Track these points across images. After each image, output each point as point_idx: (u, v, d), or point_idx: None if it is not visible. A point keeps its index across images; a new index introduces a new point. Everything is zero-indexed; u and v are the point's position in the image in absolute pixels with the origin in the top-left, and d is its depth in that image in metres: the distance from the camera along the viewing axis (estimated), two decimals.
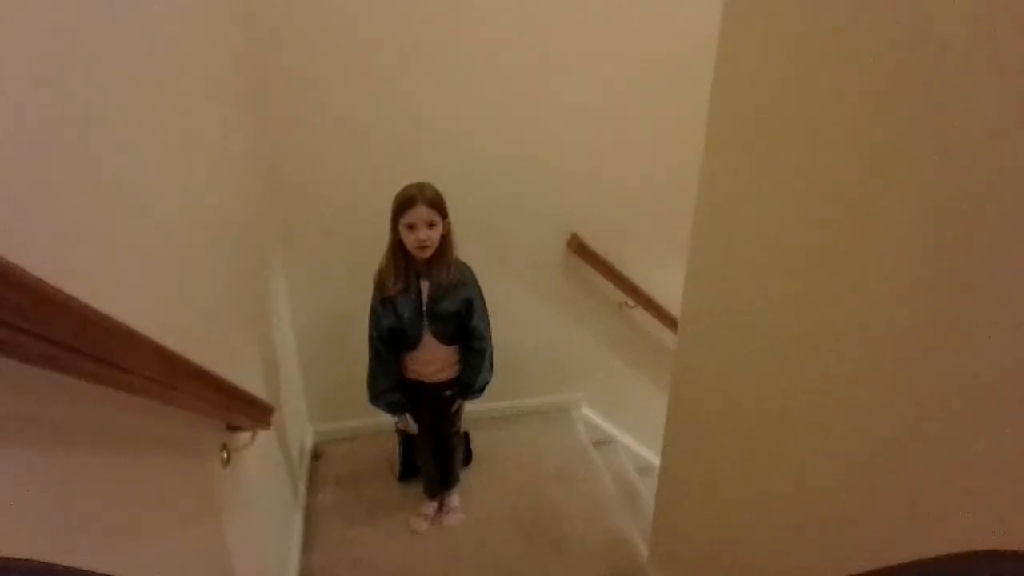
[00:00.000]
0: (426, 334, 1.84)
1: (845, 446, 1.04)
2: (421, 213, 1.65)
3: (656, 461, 2.10)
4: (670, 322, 2.52)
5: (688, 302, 1.51)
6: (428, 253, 1.71)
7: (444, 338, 1.87)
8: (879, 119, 0.89)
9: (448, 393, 1.98)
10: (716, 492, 1.50)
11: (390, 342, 1.84)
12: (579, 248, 2.43)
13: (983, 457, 0.80)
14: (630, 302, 2.60)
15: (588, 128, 2.26)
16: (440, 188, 1.71)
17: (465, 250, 1.86)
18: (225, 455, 1.22)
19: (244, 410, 1.22)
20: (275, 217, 2.13)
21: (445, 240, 1.74)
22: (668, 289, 2.47)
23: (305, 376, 2.44)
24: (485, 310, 1.90)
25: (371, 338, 1.84)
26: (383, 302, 1.79)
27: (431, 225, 1.67)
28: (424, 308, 1.81)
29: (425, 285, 1.79)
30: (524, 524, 2.20)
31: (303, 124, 2.04)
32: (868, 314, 0.95)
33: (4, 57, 0.58)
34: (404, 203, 1.66)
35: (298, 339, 2.36)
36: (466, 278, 1.84)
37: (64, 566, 0.43)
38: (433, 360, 1.91)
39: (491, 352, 1.95)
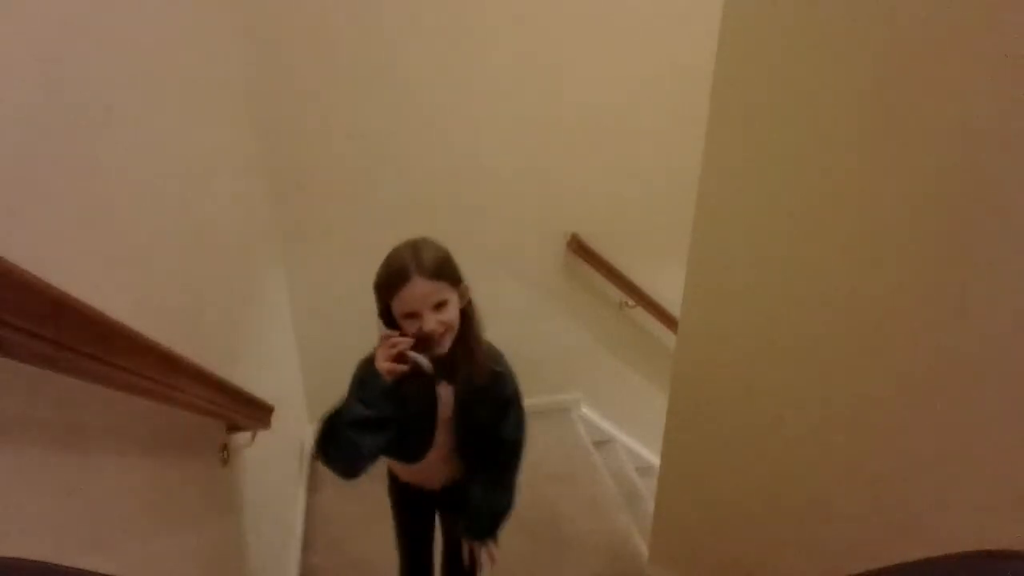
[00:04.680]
0: (435, 448, 1.24)
1: (844, 445, 1.04)
2: (421, 292, 1.02)
3: (656, 461, 2.10)
4: (670, 322, 2.52)
5: (688, 302, 1.51)
6: (446, 347, 1.07)
7: (464, 451, 1.28)
8: (878, 118, 0.89)
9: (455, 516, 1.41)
10: (716, 492, 1.50)
11: (375, 436, 1.11)
12: (579, 248, 2.43)
13: (984, 459, 0.80)
14: (630, 302, 2.60)
15: (589, 129, 2.26)
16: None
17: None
18: (225, 455, 1.22)
19: (244, 410, 1.22)
20: (277, 217, 2.13)
21: (466, 316, 1.11)
22: (668, 289, 2.47)
23: (305, 376, 2.44)
24: (523, 409, 1.28)
25: (335, 415, 1.16)
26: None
27: (440, 306, 1.05)
28: (441, 419, 1.20)
29: (445, 390, 1.18)
30: (524, 524, 2.19)
31: (306, 125, 2.04)
32: (868, 314, 0.95)
33: (5, 57, 0.58)
34: (392, 279, 1.03)
35: (298, 339, 2.36)
36: (502, 366, 1.21)
37: (65, 566, 0.43)
38: (438, 471, 1.33)
39: (519, 465, 1.32)
